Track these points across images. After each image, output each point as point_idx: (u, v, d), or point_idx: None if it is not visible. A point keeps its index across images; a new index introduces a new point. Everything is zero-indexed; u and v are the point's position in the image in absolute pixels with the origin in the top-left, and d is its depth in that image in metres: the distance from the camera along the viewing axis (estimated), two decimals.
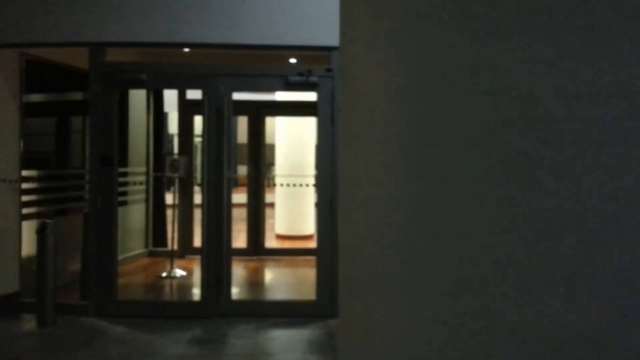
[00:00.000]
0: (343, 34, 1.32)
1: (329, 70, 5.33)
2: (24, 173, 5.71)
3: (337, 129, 5.33)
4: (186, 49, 5.68)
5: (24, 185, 5.70)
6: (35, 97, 6.53)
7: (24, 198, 5.70)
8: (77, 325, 4.96)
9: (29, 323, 5.06)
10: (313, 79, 5.33)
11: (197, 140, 8.92)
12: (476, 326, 0.87)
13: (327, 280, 5.31)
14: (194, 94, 7.79)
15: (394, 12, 1.06)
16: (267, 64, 6.55)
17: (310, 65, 5.40)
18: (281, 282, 6.97)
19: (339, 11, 1.35)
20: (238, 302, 5.51)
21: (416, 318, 0.97)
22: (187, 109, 8.11)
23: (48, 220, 4.99)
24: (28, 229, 5.65)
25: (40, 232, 4.92)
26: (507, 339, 0.84)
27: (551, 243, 0.83)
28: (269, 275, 7.24)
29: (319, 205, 5.39)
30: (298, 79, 5.33)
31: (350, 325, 1.20)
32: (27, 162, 5.85)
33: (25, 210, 5.72)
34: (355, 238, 1.19)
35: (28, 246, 5.60)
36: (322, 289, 5.33)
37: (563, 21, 0.83)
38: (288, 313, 5.30)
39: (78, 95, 7.12)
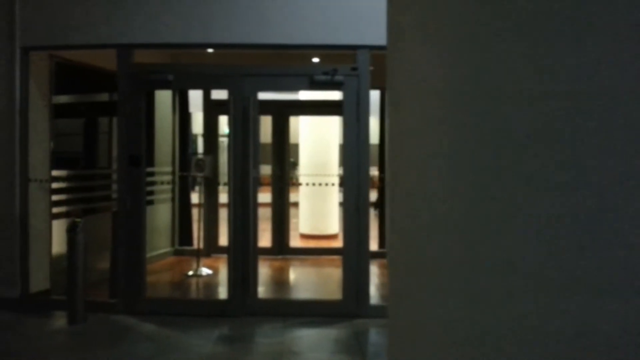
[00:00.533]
0: (390, 33, 1.31)
1: (354, 69, 5.32)
2: (54, 173, 5.81)
3: (363, 128, 5.30)
4: (210, 50, 5.72)
5: (54, 185, 5.80)
6: (64, 99, 6.65)
7: (54, 197, 5.80)
8: (107, 323, 5.03)
9: (59, 320, 5.14)
10: (338, 77, 5.31)
11: (221, 139, 8.99)
12: (535, 328, 0.86)
13: (353, 280, 5.30)
14: (219, 94, 7.85)
15: (438, 13, 1.05)
16: (291, 63, 6.57)
17: (334, 64, 5.39)
18: (306, 281, 6.98)
19: (386, 11, 1.34)
20: (265, 301, 5.53)
21: (473, 320, 0.95)
22: (212, 109, 8.16)
23: (78, 219, 5.07)
24: (58, 228, 5.75)
25: (71, 230, 4.99)
26: (571, 340, 0.82)
27: (609, 244, 0.82)
28: (294, 274, 7.26)
29: (344, 204, 5.38)
30: (323, 78, 5.32)
31: (400, 327, 1.18)
32: (55, 162, 5.96)
33: (55, 210, 5.82)
34: (405, 238, 1.18)
35: (58, 245, 5.70)
36: (348, 288, 5.31)
37: (610, 21, 0.82)
38: (314, 312, 5.29)
39: (105, 97, 7.23)
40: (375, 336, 4.82)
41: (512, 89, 0.91)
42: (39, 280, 5.68)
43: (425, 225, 1.09)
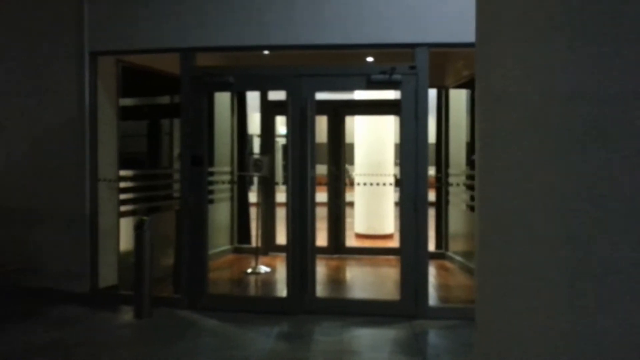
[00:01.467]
0: (480, 35, 1.31)
1: (412, 67, 5.28)
2: (121, 173, 6.05)
3: (422, 127, 5.26)
4: (267, 51, 5.81)
5: (121, 184, 6.04)
6: (129, 101, 6.93)
7: (121, 196, 6.04)
8: (172, 318, 5.21)
9: (126, 314, 5.36)
10: (396, 76, 5.29)
11: (277, 139, 9.11)
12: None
13: (411, 280, 5.26)
14: (276, 95, 7.96)
15: (532, 12, 1.04)
16: (346, 62, 6.58)
17: (390, 63, 5.37)
18: (363, 280, 6.97)
19: (475, 11, 1.33)
20: (322, 300, 5.57)
21: (572, 325, 0.94)
22: (268, 110, 8.30)
23: (145, 218, 5.26)
24: (125, 226, 5.99)
25: (138, 228, 5.19)
26: None
27: None
28: (351, 273, 7.27)
29: (402, 204, 5.34)
30: (381, 77, 5.31)
31: (490, 329, 1.18)
32: (121, 162, 6.21)
33: (122, 208, 6.06)
34: (499, 238, 1.17)
35: (125, 242, 5.94)
36: (406, 288, 5.28)
37: None
38: (372, 312, 5.29)
39: (167, 99, 7.47)
40: (435, 338, 4.77)
41: (610, 89, 0.90)
42: (108, 276, 5.95)
43: (523, 227, 1.08)
